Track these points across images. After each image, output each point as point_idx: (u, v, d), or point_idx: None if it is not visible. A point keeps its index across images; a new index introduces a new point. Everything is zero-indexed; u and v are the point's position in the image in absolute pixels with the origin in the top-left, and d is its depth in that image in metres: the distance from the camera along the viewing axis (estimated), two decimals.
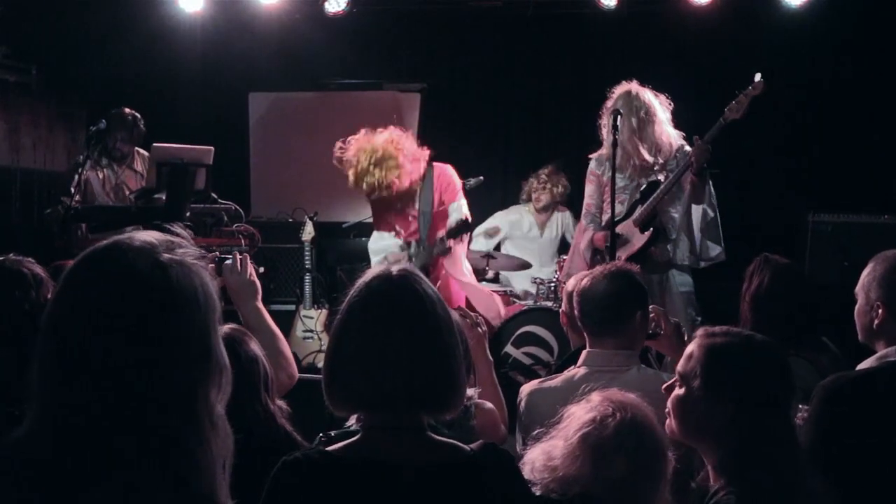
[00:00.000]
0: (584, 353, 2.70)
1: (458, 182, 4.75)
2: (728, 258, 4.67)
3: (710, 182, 4.56)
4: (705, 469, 1.98)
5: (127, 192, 5.67)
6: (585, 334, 2.72)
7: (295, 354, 6.01)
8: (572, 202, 6.33)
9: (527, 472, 1.90)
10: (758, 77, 4.40)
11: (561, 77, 7.39)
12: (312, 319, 6.02)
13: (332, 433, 1.88)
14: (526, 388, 2.72)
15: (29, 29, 6.58)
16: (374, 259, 4.77)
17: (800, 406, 2.34)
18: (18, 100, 6.72)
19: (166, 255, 1.26)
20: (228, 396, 1.32)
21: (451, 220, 4.61)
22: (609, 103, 4.70)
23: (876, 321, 2.45)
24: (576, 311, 2.75)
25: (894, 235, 5.25)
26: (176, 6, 6.63)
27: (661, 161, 4.69)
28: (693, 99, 5.12)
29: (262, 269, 5.42)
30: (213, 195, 5.12)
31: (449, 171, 4.75)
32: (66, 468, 1.17)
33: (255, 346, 2.33)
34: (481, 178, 5.85)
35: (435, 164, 4.73)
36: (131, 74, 6.86)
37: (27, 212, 6.60)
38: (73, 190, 5.19)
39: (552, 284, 5.76)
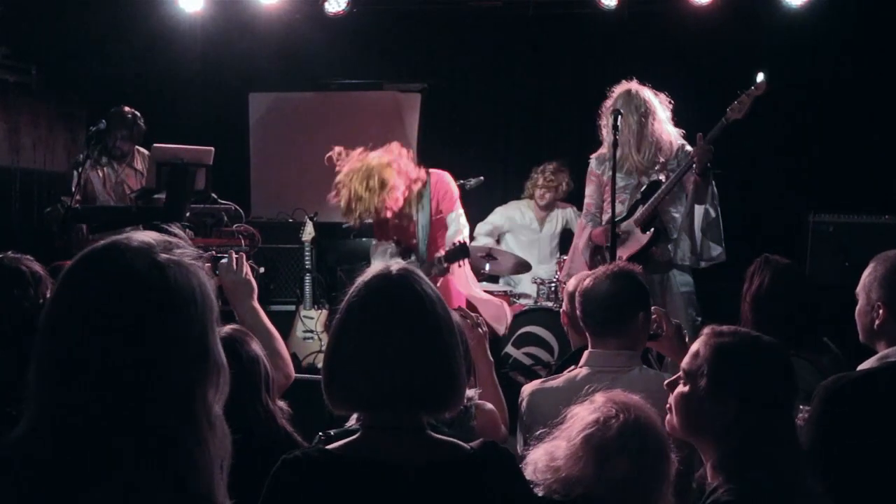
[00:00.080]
0: (586, 353, 2.69)
1: (455, 190, 4.70)
2: (728, 258, 4.67)
3: (713, 182, 4.56)
4: (703, 467, 1.98)
5: (127, 191, 5.67)
6: (588, 334, 2.71)
7: (295, 355, 6.06)
8: (574, 200, 6.33)
9: (529, 473, 1.90)
10: (760, 77, 4.39)
11: (561, 77, 7.39)
12: (312, 320, 6.02)
13: (332, 432, 1.88)
14: (528, 388, 2.72)
15: (29, 29, 6.58)
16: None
17: (801, 407, 2.34)
18: (18, 100, 6.72)
19: (164, 256, 1.26)
20: (226, 396, 1.32)
21: (451, 232, 4.59)
22: (608, 103, 4.70)
23: (877, 321, 2.45)
24: (578, 311, 2.75)
25: (895, 236, 5.25)
26: (176, 6, 6.63)
27: (661, 160, 4.69)
28: (693, 99, 5.12)
29: (262, 270, 5.43)
30: (214, 195, 5.12)
31: (446, 178, 4.70)
32: (65, 468, 1.17)
33: (256, 347, 2.33)
34: (481, 178, 5.85)
35: (432, 171, 4.70)
36: (131, 74, 6.86)
37: (27, 212, 6.60)
38: (73, 189, 5.19)
39: (552, 284, 5.76)
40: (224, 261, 2.67)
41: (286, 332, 6.03)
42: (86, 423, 1.18)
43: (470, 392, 2.52)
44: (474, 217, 6.57)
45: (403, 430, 1.61)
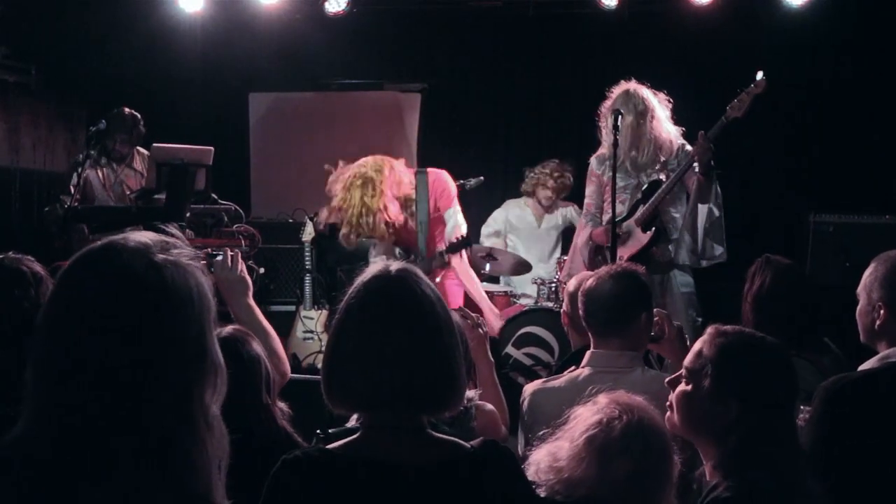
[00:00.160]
0: (588, 353, 2.69)
1: (452, 188, 4.72)
2: (729, 258, 4.67)
3: (717, 181, 4.56)
4: (702, 466, 1.98)
5: (127, 192, 5.66)
6: (590, 334, 2.71)
7: (295, 355, 6.06)
8: (574, 199, 6.32)
9: (531, 474, 1.89)
10: (760, 75, 4.39)
11: (561, 77, 7.39)
12: (313, 320, 6.02)
13: (331, 431, 1.87)
14: (529, 388, 2.72)
15: (29, 29, 6.58)
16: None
17: (801, 407, 2.34)
18: (18, 100, 6.71)
19: (161, 256, 1.26)
20: (225, 396, 1.31)
21: (448, 229, 4.59)
22: (608, 104, 4.70)
23: (878, 322, 2.45)
24: (581, 311, 2.74)
25: (895, 236, 5.25)
26: (176, 6, 6.63)
27: (661, 158, 4.70)
28: (693, 98, 5.12)
29: (261, 270, 5.43)
30: (214, 195, 5.11)
31: (444, 177, 4.71)
32: (65, 468, 1.17)
33: (257, 347, 2.33)
34: (481, 178, 5.84)
35: (430, 170, 4.71)
36: (131, 74, 6.86)
37: (27, 212, 6.59)
38: (72, 189, 5.18)
39: (553, 285, 5.76)
40: (219, 258, 2.67)
41: (286, 333, 6.02)
42: (83, 424, 1.18)
43: (470, 393, 2.52)
44: (474, 217, 6.57)
45: (403, 429, 1.61)
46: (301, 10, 6.94)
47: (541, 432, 2.01)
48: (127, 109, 5.71)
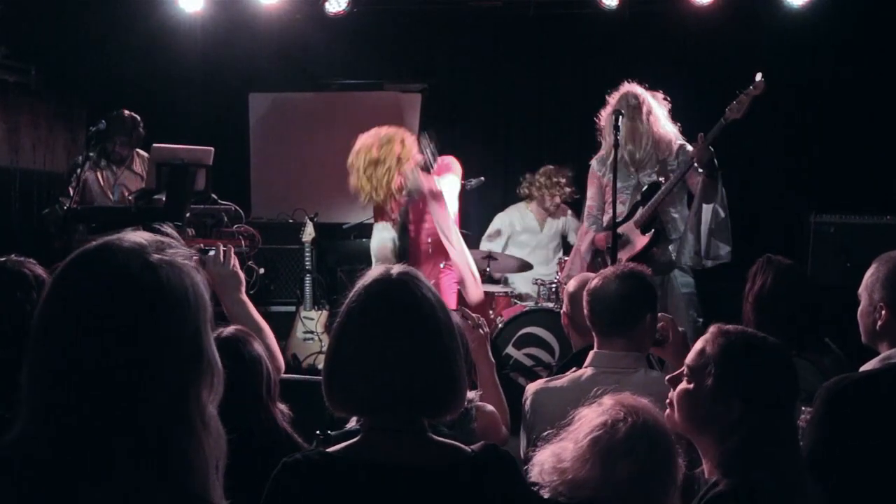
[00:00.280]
0: (591, 353, 2.69)
1: (456, 168, 4.74)
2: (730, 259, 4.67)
3: (721, 182, 4.57)
4: (701, 465, 1.98)
5: (126, 193, 5.66)
6: (594, 334, 2.70)
7: (295, 356, 6.05)
8: (573, 201, 6.33)
9: (535, 474, 1.89)
10: (759, 77, 4.40)
11: (561, 77, 7.39)
12: (313, 321, 6.02)
13: (332, 433, 1.87)
14: (532, 388, 2.71)
15: (29, 29, 6.57)
16: (375, 261, 4.79)
17: (803, 408, 2.34)
18: (18, 100, 6.71)
19: (156, 256, 1.25)
20: (221, 397, 1.31)
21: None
22: (608, 107, 4.72)
23: (879, 322, 2.45)
24: (585, 311, 2.74)
25: None
26: (176, 6, 6.63)
27: (660, 156, 4.71)
28: (693, 99, 5.13)
29: (261, 270, 5.42)
30: (214, 196, 5.10)
31: (448, 159, 4.76)
32: (64, 468, 1.17)
33: (258, 347, 2.33)
34: (482, 178, 5.86)
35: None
36: (131, 74, 6.86)
37: (27, 213, 6.59)
38: (71, 190, 5.18)
39: (553, 285, 5.76)
40: (211, 253, 2.67)
41: (286, 333, 6.03)
42: (80, 424, 1.18)
43: (471, 394, 2.52)
44: (475, 217, 6.59)
45: (404, 432, 1.61)
46: (301, 10, 6.94)
47: (545, 433, 2.00)
48: (127, 111, 5.71)
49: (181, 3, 6.58)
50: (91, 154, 5.45)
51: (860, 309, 2.53)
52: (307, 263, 6.22)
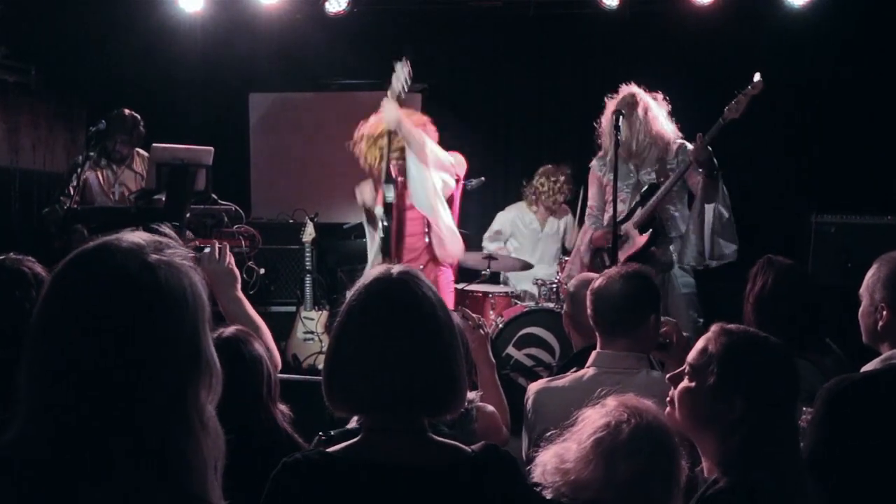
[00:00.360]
0: (593, 353, 2.69)
1: (463, 162, 4.76)
2: None
3: (722, 182, 4.57)
4: (701, 464, 1.98)
5: (126, 193, 5.65)
6: (597, 334, 2.70)
7: (296, 356, 6.04)
8: (574, 200, 6.32)
9: (538, 475, 1.89)
10: (757, 77, 4.41)
11: (561, 77, 7.39)
12: (313, 321, 6.02)
13: (332, 433, 1.87)
14: (534, 387, 2.71)
15: (29, 29, 6.57)
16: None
17: (804, 408, 2.34)
18: (18, 100, 6.71)
19: (154, 256, 1.25)
20: (220, 397, 1.31)
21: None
22: (608, 111, 4.73)
23: (880, 323, 2.45)
24: (589, 311, 2.74)
25: None
26: (176, 6, 6.63)
27: (657, 153, 4.71)
28: (694, 99, 5.13)
29: (262, 271, 5.41)
30: (214, 196, 5.10)
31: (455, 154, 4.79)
32: (63, 469, 1.17)
33: (259, 347, 2.33)
34: (482, 178, 5.86)
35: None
36: (131, 74, 6.86)
37: (27, 213, 6.58)
38: (71, 190, 5.17)
39: (553, 286, 5.75)
40: (206, 251, 2.66)
41: (287, 333, 6.03)
42: (78, 424, 1.18)
43: (471, 394, 2.51)
44: (476, 217, 6.58)
45: (404, 432, 1.61)
46: (301, 10, 6.94)
47: (548, 433, 2.00)
48: (127, 110, 5.71)
49: (181, 3, 6.59)
50: (91, 154, 5.44)
51: (861, 309, 2.53)
52: (307, 264, 6.22)
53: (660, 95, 4.79)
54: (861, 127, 6.50)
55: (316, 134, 7.39)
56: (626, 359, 2.62)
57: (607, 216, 4.79)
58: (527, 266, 6.09)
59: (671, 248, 4.76)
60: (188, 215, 4.78)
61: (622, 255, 4.60)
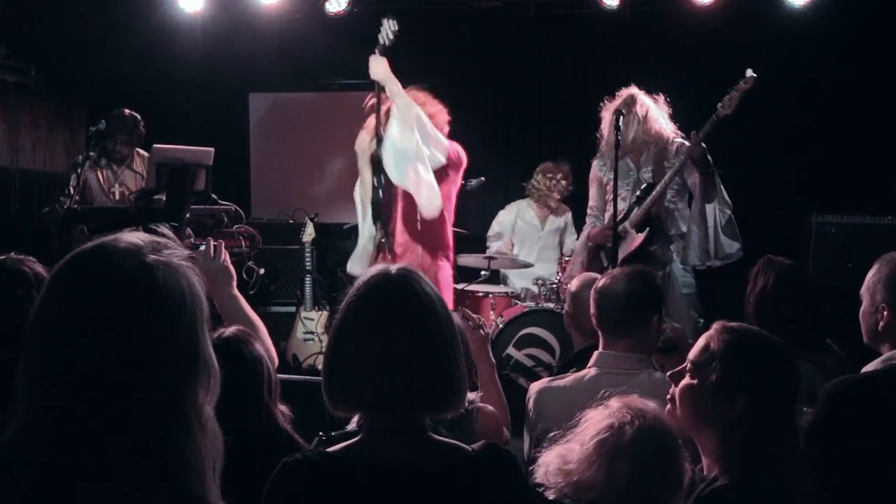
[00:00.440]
0: (595, 353, 2.69)
1: (463, 153, 4.76)
2: None
3: (720, 180, 4.57)
4: (701, 462, 1.98)
5: (126, 193, 5.65)
6: (600, 333, 2.71)
7: (296, 356, 6.04)
8: (573, 199, 6.33)
9: (540, 475, 1.89)
10: (749, 72, 4.42)
11: (561, 77, 7.39)
12: (313, 321, 6.02)
13: (332, 433, 1.87)
14: (535, 386, 2.72)
15: (29, 29, 6.57)
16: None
17: (804, 409, 2.33)
18: (18, 100, 6.71)
19: (152, 257, 1.25)
20: (218, 397, 1.31)
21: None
22: (608, 112, 4.73)
23: (881, 323, 2.45)
24: (592, 310, 2.74)
25: None
26: (176, 6, 6.63)
27: (658, 153, 4.72)
28: (694, 99, 5.12)
29: (262, 271, 5.40)
30: (214, 196, 5.09)
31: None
32: (62, 469, 1.17)
33: (259, 347, 2.32)
34: (482, 178, 5.86)
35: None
36: (131, 74, 6.85)
37: (27, 213, 6.58)
38: (71, 190, 5.17)
39: (554, 285, 5.75)
40: (202, 248, 2.65)
41: (287, 334, 6.02)
42: (77, 425, 1.18)
43: (471, 395, 2.51)
44: (476, 217, 6.58)
45: (404, 432, 1.60)
46: (301, 10, 6.93)
47: (551, 434, 2.00)
48: (127, 110, 5.71)
49: (181, 3, 6.58)
50: (91, 153, 5.44)
51: (862, 309, 2.53)
52: (307, 264, 6.22)
53: (661, 98, 4.79)
54: (861, 127, 6.50)
55: (316, 134, 7.38)
56: (628, 359, 2.62)
57: (608, 215, 4.80)
58: (526, 265, 6.09)
59: (672, 247, 4.76)
60: (188, 215, 4.78)
61: (620, 255, 4.60)
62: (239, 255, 5.10)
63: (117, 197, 5.71)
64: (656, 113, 4.73)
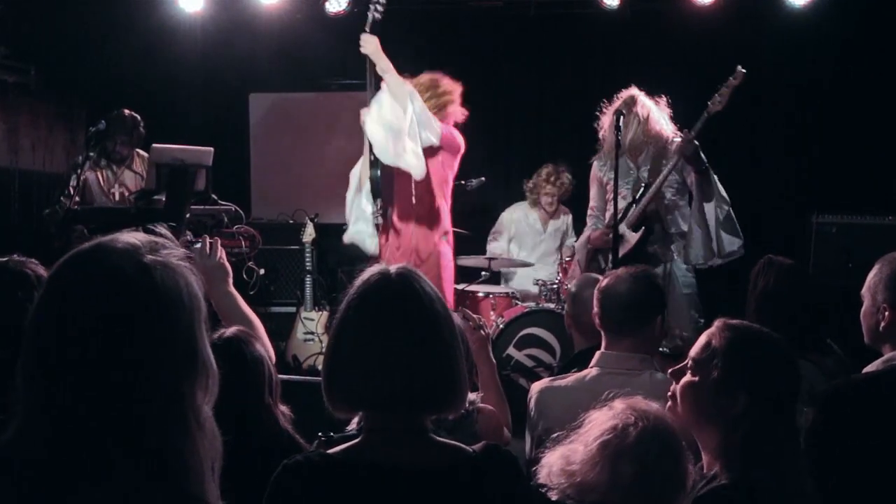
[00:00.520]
0: (597, 353, 2.69)
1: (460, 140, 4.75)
2: None
3: (716, 177, 4.57)
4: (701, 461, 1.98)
5: (126, 194, 5.65)
6: (603, 333, 2.71)
7: (296, 357, 6.03)
8: (575, 200, 6.32)
9: (543, 476, 1.89)
10: (739, 68, 4.43)
11: (562, 77, 7.38)
12: (313, 321, 6.01)
13: (332, 435, 1.86)
14: (537, 386, 2.72)
15: (28, 29, 6.57)
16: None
17: (805, 409, 2.33)
18: (17, 100, 6.70)
19: (150, 257, 1.25)
20: (216, 397, 1.31)
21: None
22: (609, 114, 4.73)
23: (882, 323, 2.44)
24: (595, 309, 2.75)
25: None
26: (176, 6, 6.62)
27: (657, 153, 4.72)
28: (694, 99, 5.12)
29: (262, 271, 5.39)
30: (214, 196, 5.09)
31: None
32: (62, 469, 1.17)
33: (260, 348, 2.32)
34: (482, 178, 5.86)
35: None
36: (131, 74, 6.85)
37: (26, 213, 6.58)
38: (71, 191, 5.17)
39: (554, 286, 5.75)
40: (198, 245, 2.65)
41: (287, 334, 6.02)
42: (75, 425, 1.18)
43: (472, 395, 2.51)
44: (476, 216, 6.58)
45: (405, 432, 1.60)
46: (301, 10, 6.93)
47: (554, 434, 2.00)
48: (127, 111, 5.71)
49: (181, 3, 6.58)
50: (91, 154, 5.44)
51: (863, 310, 2.52)
52: (307, 264, 6.21)
53: (662, 100, 4.79)
54: (861, 127, 6.50)
55: (316, 134, 7.38)
56: (630, 360, 2.62)
57: (608, 215, 4.80)
58: (526, 265, 6.09)
59: (672, 246, 4.76)
60: (188, 216, 4.78)
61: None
62: (239, 256, 5.10)
63: (117, 198, 5.71)
64: (657, 115, 4.73)
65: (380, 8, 4.63)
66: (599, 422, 1.89)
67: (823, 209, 5.96)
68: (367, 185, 4.68)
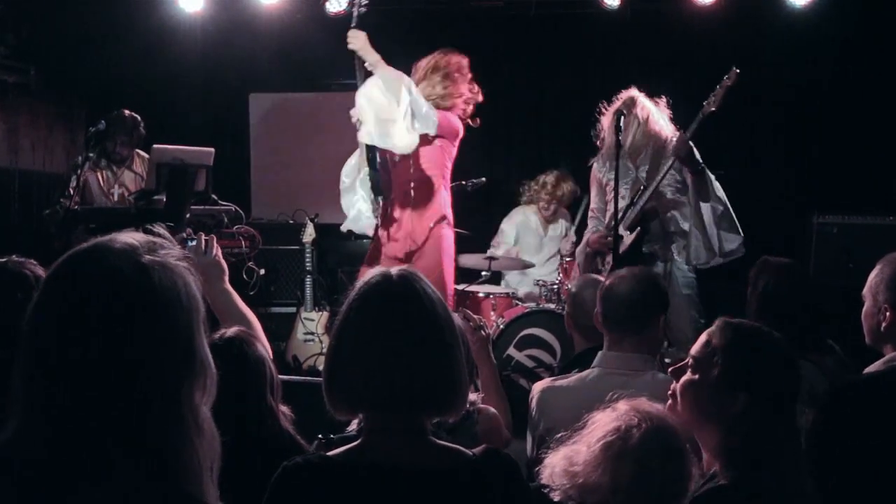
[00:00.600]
0: (599, 353, 2.69)
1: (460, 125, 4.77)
2: None
3: (712, 177, 4.57)
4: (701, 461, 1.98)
5: (126, 194, 5.65)
6: (605, 333, 2.71)
7: (296, 357, 6.03)
8: (579, 202, 6.32)
9: (546, 477, 1.89)
10: (733, 68, 4.43)
11: (562, 77, 7.38)
12: (313, 322, 6.01)
13: (332, 436, 1.86)
14: (538, 386, 2.72)
15: (28, 29, 6.57)
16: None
17: (805, 409, 2.33)
18: (17, 100, 6.70)
19: (148, 257, 1.25)
20: (217, 398, 1.31)
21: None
22: (608, 115, 4.73)
23: (883, 324, 2.44)
24: (598, 309, 2.75)
25: None
26: (176, 6, 6.62)
27: (656, 154, 4.72)
28: (694, 99, 5.12)
29: (262, 271, 5.39)
30: (214, 196, 5.09)
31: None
32: (62, 469, 1.17)
33: (261, 348, 2.31)
34: (483, 179, 5.85)
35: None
36: (131, 74, 6.85)
37: (26, 213, 6.58)
38: (71, 191, 5.17)
39: (555, 286, 5.75)
40: (193, 243, 2.64)
41: (287, 335, 6.02)
42: (74, 425, 1.18)
43: (472, 396, 2.51)
44: (476, 216, 6.57)
45: (404, 432, 1.60)
46: (301, 10, 6.93)
47: (557, 435, 1.99)
48: (127, 111, 5.71)
49: (181, 3, 6.58)
50: (91, 154, 5.44)
51: (864, 310, 2.52)
52: (308, 264, 6.21)
53: (662, 101, 4.78)
54: (861, 127, 6.49)
55: (316, 134, 7.37)
56: (632, 360, 2.62)
57: (609, 216, 4.80)
58: (527, 265, 6.09)
59: (672, 246, 4.76)
60: (188, 216, 4.77)
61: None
62: (239, 256, 5.10)
63: (117, 198, 5.71)
64: (657, 116, 4.73)
65: (364, 1, 4.61)
66: (603, 423, 1.89)
67: (824, 209, 5.96)
68: (366, 184, 4.67)
